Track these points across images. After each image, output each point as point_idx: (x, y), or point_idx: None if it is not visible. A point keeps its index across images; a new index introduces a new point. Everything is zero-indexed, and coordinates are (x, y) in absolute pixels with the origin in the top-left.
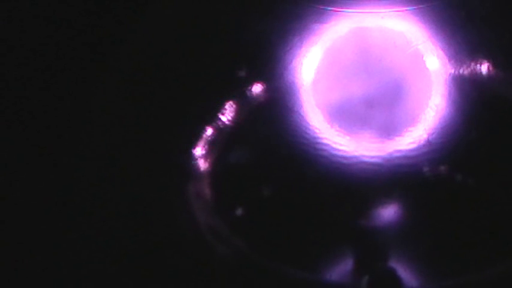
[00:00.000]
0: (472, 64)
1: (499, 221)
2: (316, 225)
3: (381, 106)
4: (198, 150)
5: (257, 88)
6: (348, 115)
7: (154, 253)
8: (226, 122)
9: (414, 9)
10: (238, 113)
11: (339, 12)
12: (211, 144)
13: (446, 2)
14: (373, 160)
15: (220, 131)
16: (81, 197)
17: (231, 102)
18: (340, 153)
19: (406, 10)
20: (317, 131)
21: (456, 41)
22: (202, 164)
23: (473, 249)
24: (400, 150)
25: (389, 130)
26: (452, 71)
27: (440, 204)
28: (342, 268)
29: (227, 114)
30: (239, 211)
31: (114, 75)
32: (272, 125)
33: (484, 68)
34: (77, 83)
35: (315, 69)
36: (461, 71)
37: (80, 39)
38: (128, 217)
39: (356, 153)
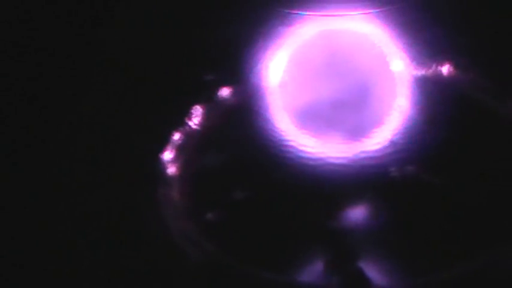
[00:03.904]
0: (435, 65)
1: (466, 219)
2: (286, 227)
3: (346, 108)
4: (167, 155)
5: (224, 92)
6: (314, 117)
7: (125, 259)
8: (194, 126)
9: (377, 12)
10: (205, 117)
11: (305, 16)
12: (180, 148)
13: (409, 5)
14: (339, 161)
15: (188, 135)
16: (49, 203)
17: (198, 106)
18: (307, 155)
19: (370, 13)
20: (284, 133)
21: (419, 42)
22: (171, 169)
23: (441, 247)
24: (366, 151)
25: (355, 131)
26: (416, 72)
27: (408, 203)
28: (313, 269)
29: (195, 118)
30: (209, 215)
31: (83, 80)
32: (240, 128)
33: (446, 69)
34: (47, 88)
35: (282, 72)
36: (424, 72)
37: (47, 47)
38: (97, 223)
39: (323, 155)
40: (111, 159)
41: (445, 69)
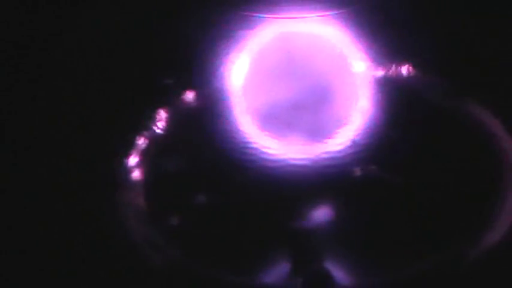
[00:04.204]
0: (394, 66)
1: (428, 219)
2: (250, 229)
3: (308, 109)
4: (129, 160)
5: (186, 95)
6: (276, 119)
7: (87, 265)
8: (156, 130)
9: (337, 13)
10: (167, 121)
11: (265, 18)
12: (142, 153)
13: (367, 6)
14: (302, 163)
15: (151, 139)
16: (10, 207)
17: (160, 111)
18: (269, 157)
19: (329, 14)
20: (246, 136)
21: (378, 43)
22: (134, 174)
23: (404, 247)
24: (327, 152)
25: (316, 133)
26: (376, 73)
27: (370, 203)
28: (277, 271)
29: (157, 123)
30: (172, 219)
31: (43, 84)
32: (202, 132)
33: (405, 69)
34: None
35: (243, 75)
36: (384, 73)
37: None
38: (59, 228)
39: (285, 157)
40: (74, 165)
41: (405, 69)
